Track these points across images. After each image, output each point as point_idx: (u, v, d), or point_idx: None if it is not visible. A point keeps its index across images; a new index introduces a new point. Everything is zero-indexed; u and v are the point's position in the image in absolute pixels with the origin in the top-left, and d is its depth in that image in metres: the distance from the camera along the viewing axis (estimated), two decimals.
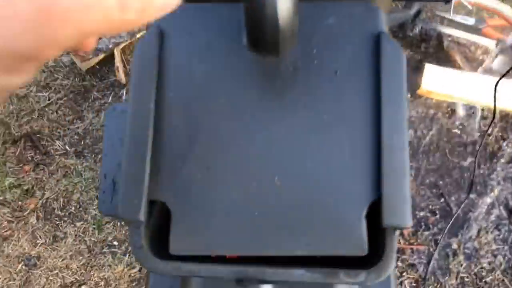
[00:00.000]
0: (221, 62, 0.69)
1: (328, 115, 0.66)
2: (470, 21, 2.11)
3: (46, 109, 2.08)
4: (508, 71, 1.63)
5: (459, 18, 2.13)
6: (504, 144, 2.00)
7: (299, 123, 0.66)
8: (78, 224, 1.89)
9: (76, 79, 2.13)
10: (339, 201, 0.65)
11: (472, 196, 1.93)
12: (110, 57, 2.11)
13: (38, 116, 2.06)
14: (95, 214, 1.91)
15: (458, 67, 2.08)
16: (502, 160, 1.98)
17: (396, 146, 0.64)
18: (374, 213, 0.67)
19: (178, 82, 0.69)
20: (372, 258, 0.66)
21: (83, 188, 1.94)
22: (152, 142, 0.66)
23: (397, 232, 0.64)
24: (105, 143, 0.85)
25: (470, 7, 1.66)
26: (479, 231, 1.89)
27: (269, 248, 0.65)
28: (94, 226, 1.88)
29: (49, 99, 2.09)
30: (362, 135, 0.66)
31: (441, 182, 1.96)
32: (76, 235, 1.88)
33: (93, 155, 1.98)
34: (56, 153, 2.00)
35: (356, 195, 0.65)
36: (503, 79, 2.03)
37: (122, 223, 1.89)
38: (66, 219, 1.91)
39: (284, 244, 0.66)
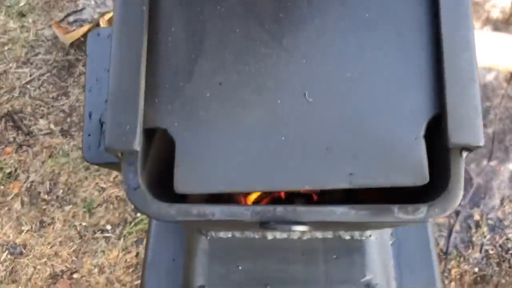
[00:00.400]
0: None
1: (370, 12, 0.52)
2: None
3: (28, 86, 1.91)
4: None
5: None
6: None
7: (333, 24, 0.52)
8: (66, 208, 1.74)
9: (60, 53, 1.97)
10: (389, 118, 0.50)
11: (492, 163, 1.80)
12: (95, 29, 1.95)
13: (19, 94, 1.90)
14: (85, 197, 1.75)
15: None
16: None
17: (460, 44, 0.49)
18: (432, 134, 0.52)
19: None
20: (428, 191, 0.52)
21: (71, 169, 1.78)
22: (146, 54, 0.51)
23: (465, 155, 0.50)
24: (88, 76, 0.69)
25: None
26: (502, 200, 1.76)
27: (303, 181, 0.51)
28: (84, 210, 1.73)
29: (30, 76, 1.93)
30: (415, 33, 0.51)
31: None
32: (65, 220, 1.72)
33: (80, 133, 1.82)
34: (40, 132, 1.84)
35: (411, 109, 0.50)
36: None
37: (115, 205, 1.74)
38: (53, 203, 1.75)
39: (322, 175, 0.51)
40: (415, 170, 0.50)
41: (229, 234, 0.88)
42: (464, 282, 1.70)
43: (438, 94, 0.50)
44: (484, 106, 1.86)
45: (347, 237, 0.86)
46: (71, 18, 1.94)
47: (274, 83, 0.51)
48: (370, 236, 0.88)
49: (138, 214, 1.73)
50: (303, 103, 0.51)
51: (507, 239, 1.72)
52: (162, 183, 0.58)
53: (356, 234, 0.87)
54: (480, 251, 1.72)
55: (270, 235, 0.88)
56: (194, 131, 0.52)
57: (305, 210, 0.50)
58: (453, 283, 1.70)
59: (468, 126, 0.48)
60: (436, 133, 0.51)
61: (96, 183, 1.76)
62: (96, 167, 1.78)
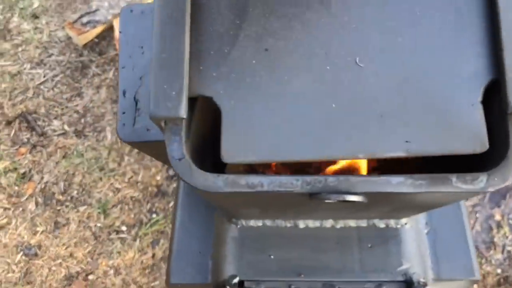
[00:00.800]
0: None
1: None
2: None
3: (42, 86, 1.90)
4: None
5: None
6: None
7: None
8: (81, 209, 1.71)
9: (73, 54, 1.96)
10: (444, 84, 0.48)
11: None
12: (109, 30, 1.94)
13: (33, 95, 1.89)
14: (100, 198, 1.73)
15: None
16: None
17: None
18: (490, 99, 0.50)
19: None
20: (484, 161, 0.50)
21: (85, 169, 1.76)
22: (190, 20, 0.49)
23: None
24: (122, 53, 0.67)
25: None
26: None
27: (356, 150, 0.48)
28: (99, 211, 1.70)
29: (44, 77, 1.92)
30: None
31: None
32: (79, 221, 1.70)
33: (95, 134, 1.81)
34: (54, 133, 1.83)
35: (467, 74, 0.48)
36: None
37: (130, 206, 1.71)
38: (68, 204, 1.72)
39: (376, 143, 0.49)
40: (474, 137, 0.47)
41: (260, 223, 0.86)
42: (487, 283, 1.66)
43: (495, 58, 0.48)
44: None
45: (382, 226, 0.84)
46: (84, 19, 1.93)
47: (322, 49, 0.49)
48: (405, 224, 0.85)
49: (154, 215, 1.70)
50: (354, 69, 0.49)
51: None
52: (202, 156, 0.56)
53: (392, 222, 0.85)
54: (502, 252, 1.68)
55: (302, 224, 0.86)
56: (240, 99, 0.50)
57: (359, 180, 0.48)
58: (475, 285, 1.67)
59: None
60: (494, 98, 0.48)
61: (111, 184, 1.74)
62: (110, 167, 1.76)
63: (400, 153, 0.48)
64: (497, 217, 1.72)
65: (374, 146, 0.49)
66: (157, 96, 0.48)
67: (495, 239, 1.70)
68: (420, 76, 0.49)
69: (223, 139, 0.50)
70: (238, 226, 0.83)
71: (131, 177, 1.75)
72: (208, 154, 0.56)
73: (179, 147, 0.49)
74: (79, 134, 1.82)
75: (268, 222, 0.84)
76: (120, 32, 0.67)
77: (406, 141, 0.48)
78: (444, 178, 0.47)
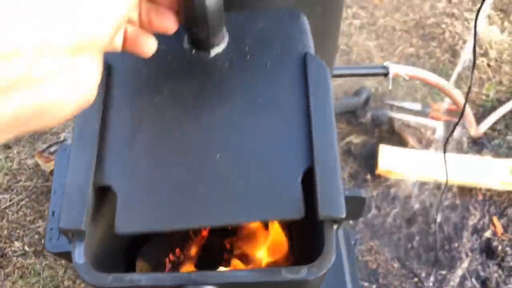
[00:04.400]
0: (166, 64, 0.75)
1: (262, 99, 0.72)
2: (417, 106, 2.27)
3: (7, 210, 2.05)
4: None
5: (406, 104, 2.29)
6: (467, 214, 2.05)
7: (237, 107, 0.72)
8: None
9: (40, 180, 2.14)
10: (275, 170, 0.67)
11: (443, 271, 1.92)
12: None
13: None
14: None
15: (411, 147, 2.19)
16: (466, 233, 2.01)
17: (323, 123, 0.69)
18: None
19: (125, 82, 0.75)
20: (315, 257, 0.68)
21: None
22: (98, 137, 0.69)
23: (335, 226, 0.66)
24: (54, 182, 0.86)
25: (407, 78, 1.82)
26: None
27: (215, 219, 0.66)
28: None
29: (10, 201, 2.07)
30: (292, 114, 0.71)
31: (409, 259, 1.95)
32: None
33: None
34: (14, 254, 1.93)
35: (291, 163, 0.68)
36: (456, 155, 2.15)
37: None
38: None
39: (228, 213, 0.66)
40: (292, 208, 0.64)
41: None
42: None
43: (309, 155, 0.68)
44: (426, 217, 2.03)
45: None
46: (52, 149, 2.14)
47: (193, 149, 0.69)
48: None
49: None
50: (215, 162, 0.68)
51: None
52: (101, 260, 0.73)
53: None
54: None
55: None
56: (132, 185, 0.66)
57: (214, 274, 0.65)
58: None
59: (333, 203, 0.65)
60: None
61: None
62: (65, 284, 1.84)
63: (244, 220, 0.69)
64: None
65: (227, 215, 0.66)
66: (65, 215, 0.66)
67: None
68: (260, 166, 0.67)
69: (117, 216, 0.64)
70: None
71: None
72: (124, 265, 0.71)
73: (80, 254, 0.65)
74: (38, 254, 1.93)
75: None
76: (55, 165, 0.87)
77: (248, 212, 0.65)
78: (277, 271, 0.65)
